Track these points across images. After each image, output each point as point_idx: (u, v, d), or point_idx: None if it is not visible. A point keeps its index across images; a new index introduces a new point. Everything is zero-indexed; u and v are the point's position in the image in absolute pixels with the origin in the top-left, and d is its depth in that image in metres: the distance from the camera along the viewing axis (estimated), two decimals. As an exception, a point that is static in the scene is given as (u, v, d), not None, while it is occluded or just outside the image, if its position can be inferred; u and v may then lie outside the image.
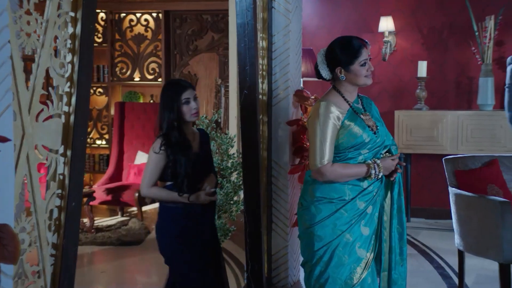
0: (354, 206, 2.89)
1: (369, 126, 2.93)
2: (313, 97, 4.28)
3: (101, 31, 8.44)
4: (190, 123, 3.27)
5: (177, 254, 3.22)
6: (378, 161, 2.90)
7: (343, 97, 2.95)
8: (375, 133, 2.93)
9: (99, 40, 8.45)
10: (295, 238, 4.02)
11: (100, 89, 8.54)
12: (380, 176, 2.92)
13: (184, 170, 3.13)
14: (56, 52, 2.30)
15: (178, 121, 3.15)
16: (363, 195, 2.91)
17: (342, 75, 2.92)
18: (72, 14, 2.30)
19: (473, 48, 6.46)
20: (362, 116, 2.95)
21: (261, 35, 4.04)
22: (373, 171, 2.88)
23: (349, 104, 2.95)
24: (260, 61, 4.02)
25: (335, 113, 2.87)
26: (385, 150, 3.01)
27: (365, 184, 2.91)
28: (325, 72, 2.96)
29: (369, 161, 2.90)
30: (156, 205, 7.49)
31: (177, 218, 3.20)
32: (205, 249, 3.26)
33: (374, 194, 2.94)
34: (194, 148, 3.23)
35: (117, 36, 8.41)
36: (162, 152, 3.13)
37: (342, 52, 2.89)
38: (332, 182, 2.88)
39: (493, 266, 4.27)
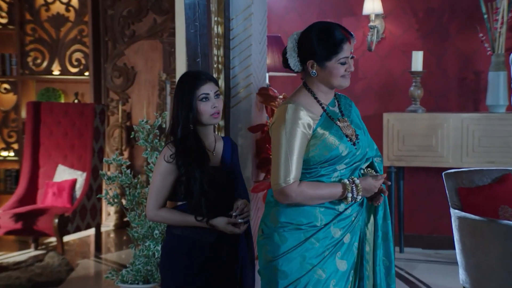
0: (328, 234, 2.91)
1: (347, 136, 2.94)
2: (281, 96, 4.34)
3: (5, 9, 8.34)
4: (210, 127, 3.30)
5: None
6: (357, 181, 2.91)
7: (316, 98, 2.97)
8: (354, 144, 2.94)
9: (4, 21, 8.35)
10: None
11: (6, 85, 8.44)
12: (358, 200, 2.94)
13: (200, 187, 3.14)
14: None
15: (193, 123, 3.19)
16: (339, 221, 2.92)
17: (314, 70, 2.94)
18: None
19: (481, 35, 6.56)
20: (338, 122, 2.96)
21: (215, 18, 4.06)
22: (349, 194, 2.90)
23: (322, 108, 2.96)
24: (215, 51, 4.05)
25: (305, 119, 2.87)
26: (366, 164, 3.05)
27: (341, 207, 2.93)
28: (293, 62, 2.98)
29: (346, 181, 2.91)
30: (82, 234, 7.47)
31: (186, 250, 3.21)
32: None
33: (353, 219, 2.96)
34: (214, 160, 3.26)
35: (28, 17, 8.32)
36: (172, 163, 3.16)
37: (320, 43, 2.90)
38: (300, 204, 2.90)
39: (505, 307, 4.37)
